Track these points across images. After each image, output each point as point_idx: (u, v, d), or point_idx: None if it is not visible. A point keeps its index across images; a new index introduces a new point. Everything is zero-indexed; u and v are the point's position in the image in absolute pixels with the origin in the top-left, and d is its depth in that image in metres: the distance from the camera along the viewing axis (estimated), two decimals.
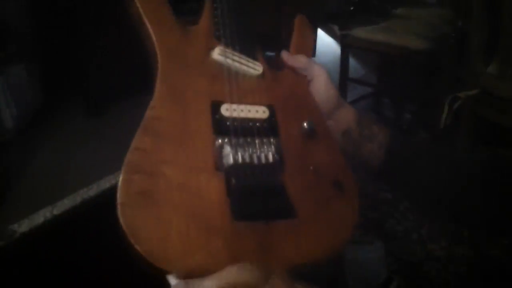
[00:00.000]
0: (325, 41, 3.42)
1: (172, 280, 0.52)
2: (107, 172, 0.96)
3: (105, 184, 0.93)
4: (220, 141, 0.58)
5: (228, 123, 0.60)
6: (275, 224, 0.58)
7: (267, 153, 0.60)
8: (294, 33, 0.75)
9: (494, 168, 0.71)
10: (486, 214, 0.69)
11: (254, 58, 0.67)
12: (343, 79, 2.28)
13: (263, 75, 0.67)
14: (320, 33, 3.43)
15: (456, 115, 1.61)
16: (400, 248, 1.48)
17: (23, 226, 0.84)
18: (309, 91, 0.71)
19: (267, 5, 2.65)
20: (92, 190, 0.91)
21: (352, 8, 2.19)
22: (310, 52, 0.75)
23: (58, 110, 2.48)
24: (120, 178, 0.52)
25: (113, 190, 0.74)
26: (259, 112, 0.63)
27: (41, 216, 0.86)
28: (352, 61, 2.96)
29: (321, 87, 0.69)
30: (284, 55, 0.71)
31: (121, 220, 0.50)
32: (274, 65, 0.70)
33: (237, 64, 0.64)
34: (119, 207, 0.51)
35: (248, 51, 0.66)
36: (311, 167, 0.64)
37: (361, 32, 2.18)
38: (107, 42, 2.40)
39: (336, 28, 2.25)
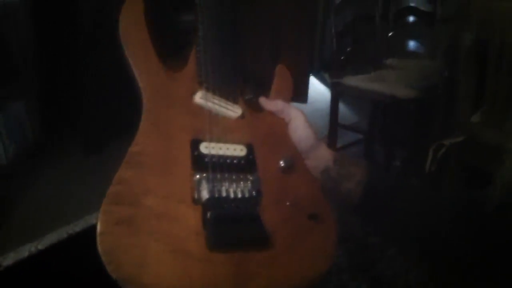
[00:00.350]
0: (317, 88, 3.51)
1: None
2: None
3: (92, 219, 0.94)
4: (198, 176, 0.62)
5: (206, 159, 0.63)
6: (250, 254, 0.60)
7: (244, 188, 0.64)
8: (274, 80, 0.80)
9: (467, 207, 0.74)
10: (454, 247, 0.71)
11: (234, 101, 0.71)
12: (333, 125, 2.33)
13: (242, 116, 0.71)
14: (313, 80, 3.51)
15: (441, 162, 1.64)
16: None
17: (7, 260, 0.85)
18: (286, 131, 0.75)
19: (261, 52, 2.75)
20: (78, 226, 0.93)
21: (343, 58, 2.26)
22: (288, 97, 0.80)
23: (56, 147, 2.51)
24: (101, 209, 0.55)
25: None
26: (237, 150, 0.67)
27: (26, 250, 0.87)
28: (344, 108, 3.02)
29: (298, 127, 0.73)
30: (262, 100, 0.75)
31: (99, 248, 0.53)
32: (255, 107, 0.75)
33: (217, 107, 0.69)
34: (98, 237, 0.53)
35: (229, 95, 0.71)
36: (288, 203, 0.67)
37: (352, 81, 2.23)
38: (105, 81, 2.46)
39: (327, 76, 2.31)
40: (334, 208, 0.73)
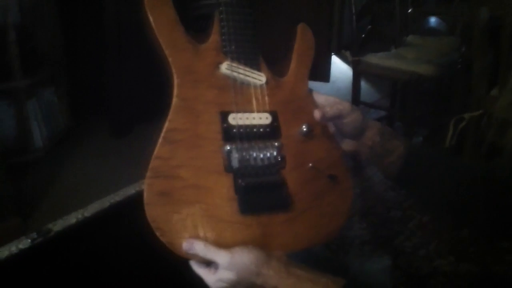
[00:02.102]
0: (340, 67, 3.53)
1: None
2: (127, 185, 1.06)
3: (130, 190, 1.03)
4: (228, 147, 0.67)
5: (235, 130, 0.69)
6: (276, 215, 0.67)
7: (270, 155, 0.69)
8: (296, 40, 0.81)
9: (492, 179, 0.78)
10: (490, 218, 0.75)
11: (258, 69, 0.74)
12: (355, 103, 2.36)
13: (266, 83, 0.74)
14: (335, 59, 3.53)
15: (461, 136, 1.68)
16: (408, 263, 1.53)
17: (57, 226, 0.95)
18: (308, 95, 0.78)
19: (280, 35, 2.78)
20: (119, 196, 1.02)
21: (363, 36, 2.28)
22: (311, 57, 0.81)
23: (84, 131, 2.62)
24: (145, 182, 0.62)
25: (137, 195, 0.86)
26: (263, 118, 0.71)
27: (74, 218, 0.97)
28: (366, 86, 3.04)
29: (356, 120, 0.75)
30: (316, 113, 0.73)
31: (147, 216, 0.61)
32: (277, 74, 0.77)
33: (242, 76, 0.72)
34: (145, 206, 0.61)
35: (252, 63, 0.74)
36: (310, 164, 0.72)
37: (372, 58, 2.26)
38: (131, 68, 2.53)
39: (348, 54, 2.33)
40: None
